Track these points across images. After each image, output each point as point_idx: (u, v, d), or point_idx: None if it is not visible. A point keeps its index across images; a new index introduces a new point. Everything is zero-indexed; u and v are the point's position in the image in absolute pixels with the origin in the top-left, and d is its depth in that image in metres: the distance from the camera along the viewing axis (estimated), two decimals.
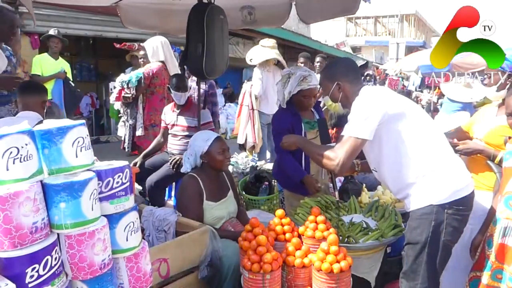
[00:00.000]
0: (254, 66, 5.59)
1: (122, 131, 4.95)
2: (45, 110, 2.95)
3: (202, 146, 2.66)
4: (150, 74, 4.55)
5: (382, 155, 2.07)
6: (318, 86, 2.95)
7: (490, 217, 2.23)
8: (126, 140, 4.83)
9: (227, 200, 2.74)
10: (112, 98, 4.94)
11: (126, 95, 4.56)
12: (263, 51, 5.51)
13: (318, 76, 3.61)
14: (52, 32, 5.34)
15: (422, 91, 11.73)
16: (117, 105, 4.91)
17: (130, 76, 4.59)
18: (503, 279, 2.01)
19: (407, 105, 2.09)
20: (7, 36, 3.19)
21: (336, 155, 2.00)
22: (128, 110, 4.71)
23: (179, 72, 4.42)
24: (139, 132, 4.65)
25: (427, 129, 2.07)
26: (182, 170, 2.79)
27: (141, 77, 4.51)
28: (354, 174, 2.61)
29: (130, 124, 4.74)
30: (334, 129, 4.37)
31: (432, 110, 8.67)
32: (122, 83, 4.58)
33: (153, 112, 4.59)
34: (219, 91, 10.28)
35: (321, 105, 3.82)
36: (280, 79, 3.12)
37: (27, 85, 3.17)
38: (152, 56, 4.70)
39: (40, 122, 2.48)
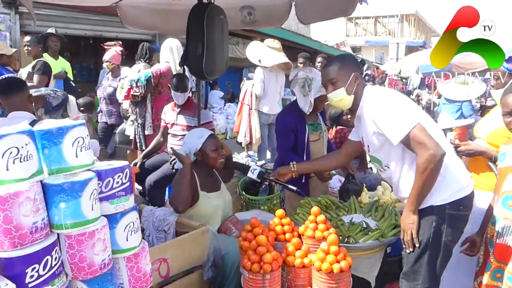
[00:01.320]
0: (255, 65, 5.58)
1: (130, 130, 4.94)
2: (33, 104, 2.75)
3: (196, 143, 2.67)
4: (159, 73, 4.59)
5: (390, 153, 2.08)
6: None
7: (488, 216, 2.23)
8: (137, 139, 4.82)
9: (222, 191, 2.78)
10: (120, 97, 4.93)
11: (135, 93, 4.58)
12: (272, 53, 5.49)
13: None
14: (50, 30, 5.35)
15: (422, 91, 11.73)
16: (126, 104, 4.92)
17: (139, 75, 4.61)
18: (502, 278, 2.01)
19: (411, 103, 2.12)
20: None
21: (424, 154, 1.88)
22: (137, 109, 4.72)
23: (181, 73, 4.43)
24: (148, 131, 4.68)
25: (428, 129, 2.07)
26: (176, 166, 2.79)
27: (150, 76, 4.54)
28: (294, 175, 2.58)
29: (139, 123, 4.75)
30: (334, 128, 4.35)
31: (432, 111, 8.65)
32: (131, 81, 4.59)
33: (161, 111, 4.61)
34: (219, 93, 10.29)
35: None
36: (295, 83, 3.02)
37: (4, 83, 2.77)
38: (169, 57, 4.73)
39: (34, 121, 2.42)
